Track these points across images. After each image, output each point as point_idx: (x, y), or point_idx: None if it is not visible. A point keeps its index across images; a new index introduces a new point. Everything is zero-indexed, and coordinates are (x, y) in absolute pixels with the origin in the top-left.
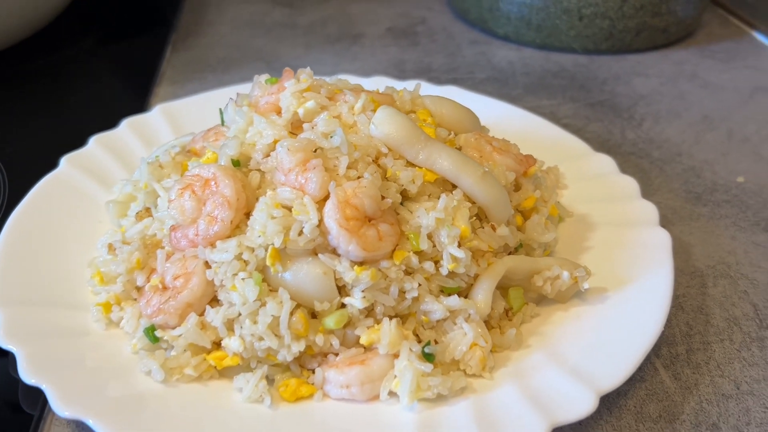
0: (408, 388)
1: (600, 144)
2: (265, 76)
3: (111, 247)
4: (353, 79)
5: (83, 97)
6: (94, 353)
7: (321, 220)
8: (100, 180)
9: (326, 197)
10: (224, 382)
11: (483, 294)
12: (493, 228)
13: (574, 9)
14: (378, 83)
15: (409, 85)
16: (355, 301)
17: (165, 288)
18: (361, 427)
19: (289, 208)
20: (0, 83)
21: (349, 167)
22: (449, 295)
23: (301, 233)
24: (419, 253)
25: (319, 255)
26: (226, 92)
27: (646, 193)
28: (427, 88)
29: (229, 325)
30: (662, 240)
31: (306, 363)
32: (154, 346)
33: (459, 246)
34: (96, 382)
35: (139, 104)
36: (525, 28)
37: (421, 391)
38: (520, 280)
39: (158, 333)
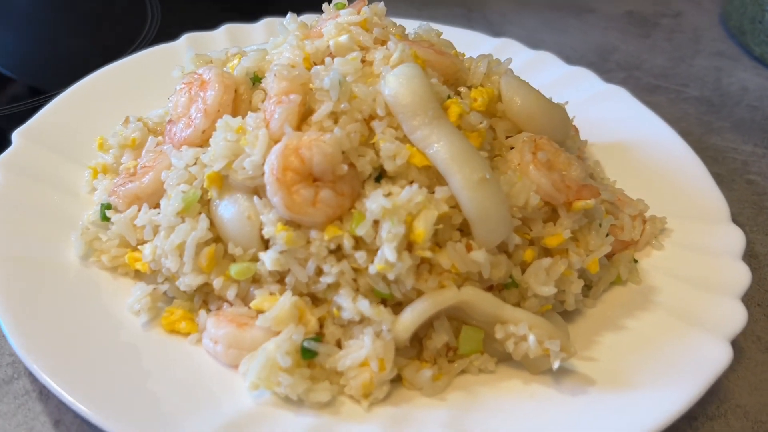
0: (256, 373)
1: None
2: (340, 0)
3: (126, 120)
4: (515, 47)
5: None
6: (56, 207)
7: None
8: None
9: None
10: (132, 285)
11: (410, 315)
12: (468, 248)
13: None
14: (541, 59)
15: (579, 71)
16: (267, 260)
17: (135, 173)
18: (192, 389)
19: None
20: None
21: (331, 117)
22: (381, 299)
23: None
24: (357, 239)
25: (254, 197)
26: None
27: None
28: (591, 81)
29: (156, 232)
30: (716, 359)
31: (210, 301)
32: (102, 223)
33: (408, 250)
34: (25, 234)
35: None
36: None
37: (271, 383)
38: (483, 322)
39: (109, 213)
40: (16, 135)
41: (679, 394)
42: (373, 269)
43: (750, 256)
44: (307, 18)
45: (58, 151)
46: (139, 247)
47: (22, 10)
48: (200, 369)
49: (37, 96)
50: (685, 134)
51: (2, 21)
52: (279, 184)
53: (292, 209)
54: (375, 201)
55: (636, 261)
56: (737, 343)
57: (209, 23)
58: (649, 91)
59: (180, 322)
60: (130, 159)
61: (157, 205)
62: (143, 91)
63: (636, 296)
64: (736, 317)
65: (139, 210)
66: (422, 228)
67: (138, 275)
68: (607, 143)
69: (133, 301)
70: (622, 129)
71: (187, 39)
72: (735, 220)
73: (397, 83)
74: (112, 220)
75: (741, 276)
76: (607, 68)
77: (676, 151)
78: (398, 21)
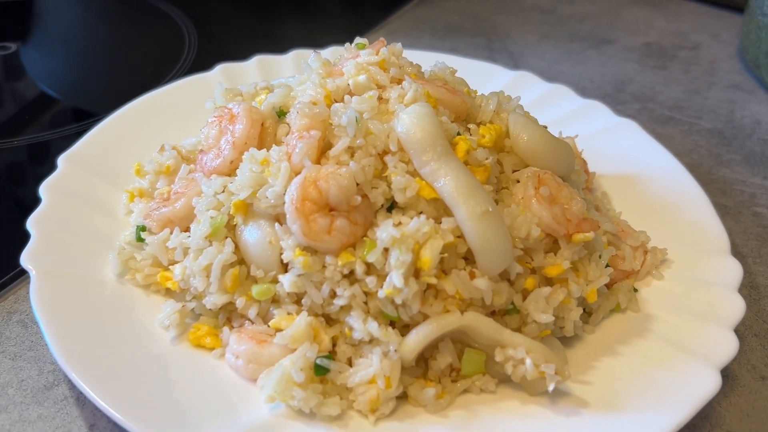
0: (272, 387)
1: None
2: (361, 40)
3: (162, 148)
4: (531, 79)
5: (296, 15)
6: (95, 228)
7: None
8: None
9: None
10: (163, 302)
11: (415, 337)
12: (472, 275)
13: None
14: (556, 91)
15: (592, 104)
16: (286, 282)
17: (168, 198)
18: (214, 399)
19: None
20: None
21: (348, 151)
22: (390, 321)
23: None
24: (369, 265)
25: (276, 224)
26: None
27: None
28: (603, 114)
29: (186, 253)
30: (706, 387)
31: (233, 319)
32: (137, 244)
33: (415, 277)
34: (67, 252)
35: (340, 42)
36: None
37: (286, 396)
38: (485, 346)
39: (144, 234)
40: (61, 160)
41: (668, 419)
42: (382, 293)
43: (751, 287)
44: (333, 51)
45: (99, 175)
46: (170, 267)
47: (67, 37)
48: (222, 381)
49: (79, 118)
50: (695, 166)
51: (49, 46)
52: (298, 212)
53: (309, 236)
54: (385, 230)
55: (636, 290)
56: (731, 372)
57: (243, 53)
58: (662, 122)
59: (205, 338)
60: (165, 185)
61: (187, 229)
62: (178, 120)
63: (634, 324)
64: (728, 347)
65: (171, 233)
66: (428, 256)
67: (168, 293)
68: (616, 175)
69: (164, 317)
70: (631, 161)
71: (220, 69)
72: (739, 251)
73: (409, 121)
74: (146, 241)
75: (736, 307)
76: (622, 100)
77: (681, 184)
78: (419, 53)
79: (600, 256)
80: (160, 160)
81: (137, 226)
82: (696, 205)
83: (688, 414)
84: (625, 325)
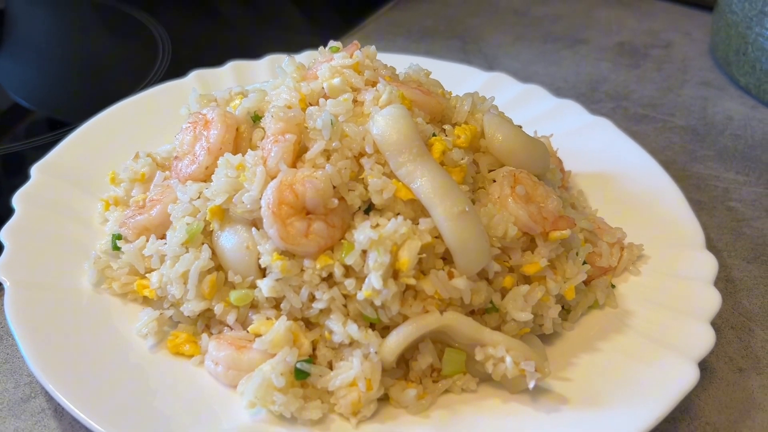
0: (253, 392)
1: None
2: (335, 44)
3: (137, 155)
4: (506, 80)
5: (271, 20)
6: (70, 237)
7: None
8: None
9: None
10: (141, 310)
11: (395, 338)
12: (450, 275)
13: None
14: (530, 92)
15: (566, 103)
16: (264, 287)
17: (144, 206)
18: (194, 407)
19: None
20: None
21: (324, 154)
22: (369, 323)
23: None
24: (347, 267)
25: (253, 229)
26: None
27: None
28: (578, 113)
29: (162, 261)
30: (684, 380)
31: (212, 325)
32: (113, 253)
33: (393, 278)
34: (42, 262)
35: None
36: None
37: (266, 401)
38: (465, 345)
39: (120, 243)
40: (35, 169)
41: (647, 412)
42: (361, 296)
43: (726, 281)
44: (308, 56)
45: (73, 184)
46: (146, 275)
47: (40, 46)
48: (202, 389)
49: (54, 128)
50: (670, 163)
51: (21, 56)
52: (275, 217)
53: (287, 240)
54: (363, 232)
55: (614, 286)
56: (709, 364)
57: (217, 59)
58: (637, 120)
59: (184, 345)
60: (140, 192)
61: (163, 236)
62: (153, 127)
63: (612, 320)
64: (705, 340)
65: (147, 240)
66: (406, 257)
67: (146, 301)
68: (591, 173)
69: (141, 325)
70: (605, 159)
71: (194, 76)
72: (714, 245)
73: (384, 123)
74: (122, 249)
75: (712, 300)
76: (597, 99)
77: (656, 181)
78: (394, 56)
79: (577, 254)
80: (135, 168)
81: (113, 235)
82: (671, 201)
83: (668, 407)
84: (603, 321)
